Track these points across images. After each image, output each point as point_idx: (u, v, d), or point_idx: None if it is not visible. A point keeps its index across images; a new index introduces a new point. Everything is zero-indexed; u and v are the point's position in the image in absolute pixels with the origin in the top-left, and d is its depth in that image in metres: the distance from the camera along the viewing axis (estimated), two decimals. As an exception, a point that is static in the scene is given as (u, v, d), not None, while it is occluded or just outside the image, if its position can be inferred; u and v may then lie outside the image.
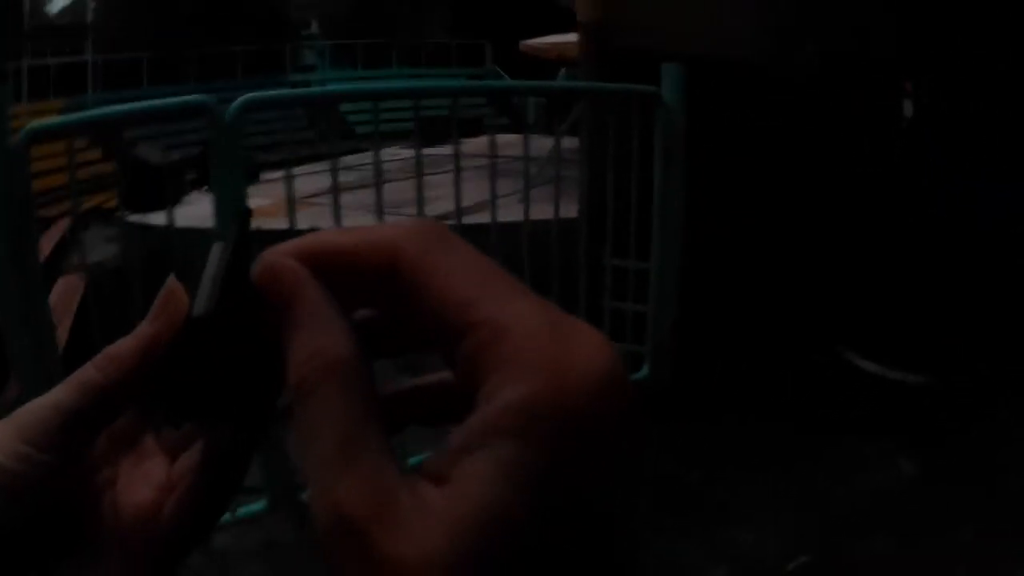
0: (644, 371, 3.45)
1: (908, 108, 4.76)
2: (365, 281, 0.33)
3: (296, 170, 2.90)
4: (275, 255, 0.34)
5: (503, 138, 3.89)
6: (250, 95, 2.52)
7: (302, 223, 2.63)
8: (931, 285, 4.10)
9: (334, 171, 2.90)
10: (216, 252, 0.36)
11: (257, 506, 2.75)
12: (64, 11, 23.49)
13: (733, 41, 3.81)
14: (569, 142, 4.28)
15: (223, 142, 2.47)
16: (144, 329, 0.39)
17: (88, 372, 0.38)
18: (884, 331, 3.92)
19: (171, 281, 0.39)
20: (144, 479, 0.41)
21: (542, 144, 4.84)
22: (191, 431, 0.42)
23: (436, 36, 25.43)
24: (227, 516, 2.67)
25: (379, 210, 2.95)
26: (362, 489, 0.29)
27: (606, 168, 3.28)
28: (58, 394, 0.38)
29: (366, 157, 4.11)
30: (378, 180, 2.99)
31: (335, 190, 2.86)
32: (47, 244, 7.47)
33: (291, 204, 2.75)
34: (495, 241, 2.99)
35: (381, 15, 24.88)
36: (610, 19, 4.09)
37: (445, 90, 3.51)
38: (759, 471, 3.12)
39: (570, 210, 3.39)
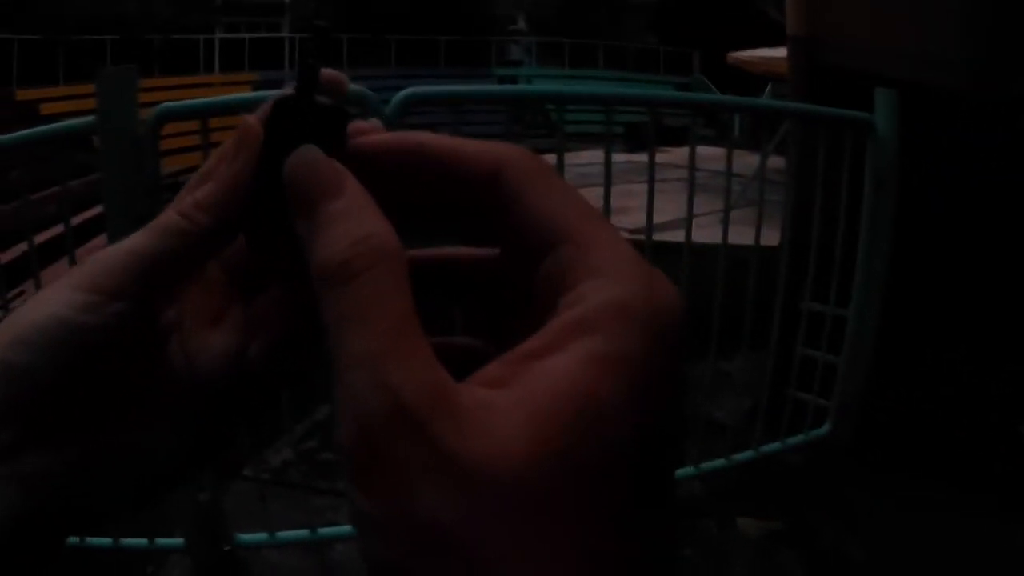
0: (825, 427, 3.14)
1: None
2: (461, 184, 0.33)
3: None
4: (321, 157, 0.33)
5: (706, 151, 3.71)
6: (412, 90, 2.37)
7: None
8: None
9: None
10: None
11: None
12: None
13: (952, 67, 3.50)
14: (775, 161, 4.03)
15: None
16: (223, 172, 0.37)
17: (170, 216, 0.36)
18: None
19: (247, 118, 0.37)
20: (217, 318, 0.39)
21: (747, 160, 4.69)
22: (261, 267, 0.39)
23: (643, 40, 25.80)
24: (346, 528, 2.51)
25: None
26: (421, 379, 0.27)
27: (814, 195, 3.04)
28: (136, 239, 0.36)
29: (573, 157, 4.02)
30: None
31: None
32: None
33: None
34: (687, 260, 2.79)
35: (586, 15, 25.32)
36: (821, 35, 3.86)
37: (645, 99, 3.25)
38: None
39: (770, 237, 3.16)
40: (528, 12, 27.49)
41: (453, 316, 0.38)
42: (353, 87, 2.34)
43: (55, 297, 0.35)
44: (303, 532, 2.54)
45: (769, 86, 11.71)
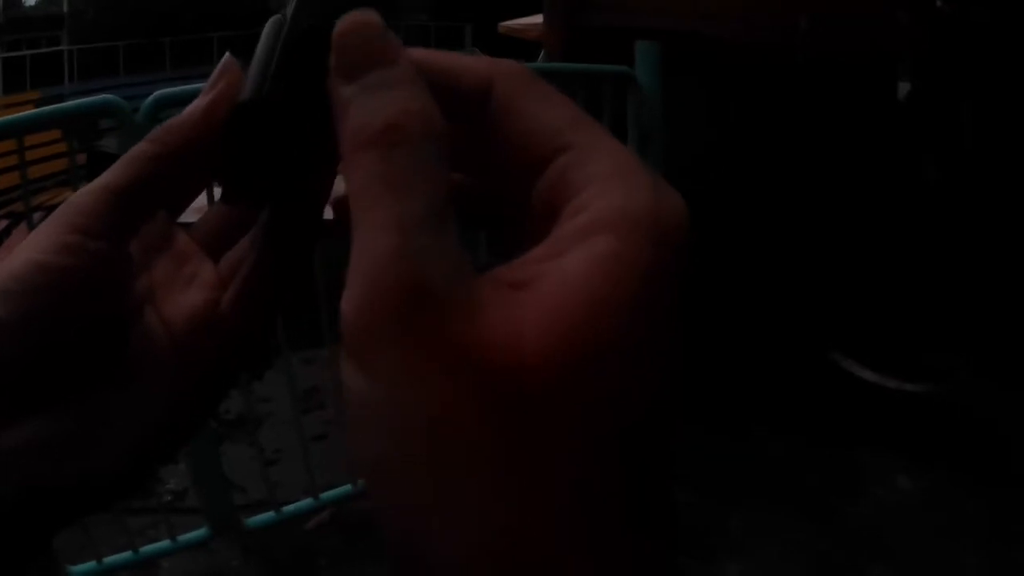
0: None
1: (903, 90, 4.52)
2: (454, 101, 0.32)
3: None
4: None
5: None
6: (162, 92, 2.34)
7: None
8: (928, 280, 3.90)
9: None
10: (269, 26, 0.35)
11: (199, 532, 2.62)
12: (41, 2, 23.42)
13: (717, 16, 3.57)
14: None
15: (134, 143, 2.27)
16: (197, 102, 0.37)
17: (140, 146, 0.37)
18: (881, 334, 3.74)
19: (227, 56, 0.38)
20: (188, 282, 0.39)
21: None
22: (229, 225, 0.41)
23: (417, 18, 25.46)
24: (167, 543, 2.52)
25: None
26: (449, 259, 0.26)
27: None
28: (109, 174, 0.36)
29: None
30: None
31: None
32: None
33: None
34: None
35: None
36: None
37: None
38: (756, 489, 2.97)
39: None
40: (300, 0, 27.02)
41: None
42: (105, 97, 2.34)
43: (33, 242, 0.34)
44: (127, 554, 2.54)
45: (543, 53, 11.64)
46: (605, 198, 0.28)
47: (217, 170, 0.36)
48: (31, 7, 23.43)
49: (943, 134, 4.27)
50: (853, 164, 3.79)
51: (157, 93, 2.33)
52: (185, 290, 0.39)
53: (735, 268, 3.52)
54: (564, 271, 0.26)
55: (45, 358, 0.34)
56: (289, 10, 0.35)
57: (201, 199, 0.44)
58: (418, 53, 0.32)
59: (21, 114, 2.42)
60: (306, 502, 2.69)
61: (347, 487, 2.71)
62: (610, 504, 0.26)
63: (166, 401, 0.37)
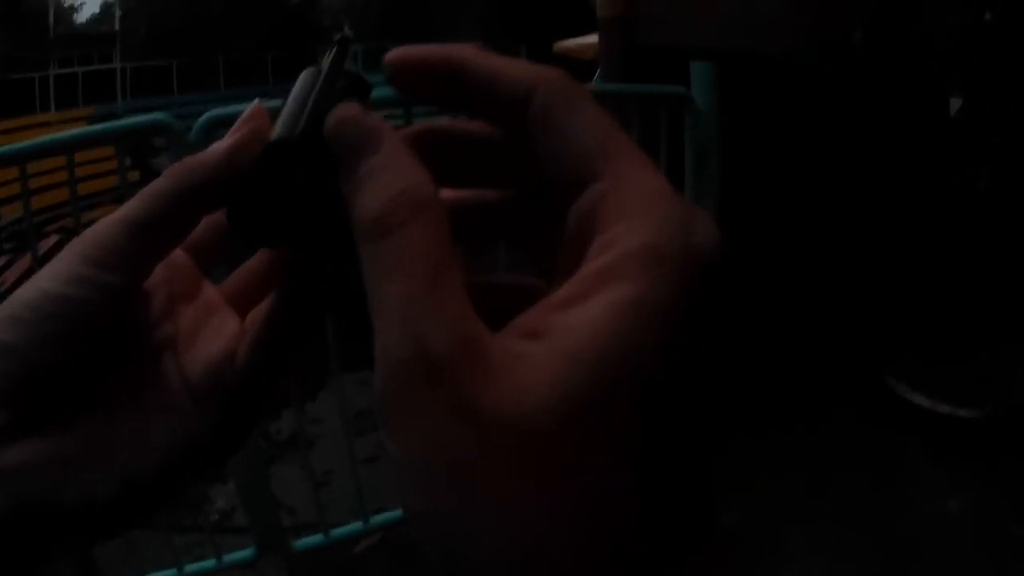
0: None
1: (955, 105, 4.48)
2: (497, 104, 0.33)
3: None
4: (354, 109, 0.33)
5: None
6: (214, 112, 2.33)
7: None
8: (981, 298, 3.84)
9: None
10: (304, 78, 0.36)
11: (246, 552, 2.59)
12: (91, 20, 23.79)
13: (769, 34, 3.56)
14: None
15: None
16: (222, 142, 0.37)
17: (159, 181, 0.37)
18: (935, 357, 3.69)
19: (256, 102, 0.39)
20: (212, 333, 0.40)
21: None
22: (258, 283, 0.41)
23: (473, 38, 25.60)
24: (212, 562, 2.50)
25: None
26: (451, 328, 0.27)
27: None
28: (126, 207, 0.36)
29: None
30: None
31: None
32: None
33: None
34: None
35: (415, 17, 25.00)
36: (633, 13, 3.78)
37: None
38: (806, 504, 2.95)
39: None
40: (353, 20, 27.01)
41: (497, 257, 0.37)
42: (157, 115, 2.36)
43: (47, 272, 0.35)
44: (171, 572, 2.53)
45: (598, 72, 11.68)
46: (633, 237, 0.28)
47: (230, 211, 0.37)
48: (82, 24, 23.79)
49: (994, 148, 4.24)
50: (906, 181, 3.76)
51: (209, 113, 2.33)
52: (207, 341, 0.40)
53: (792, 289, 3.50)
54: (582, 321, 0.27)
55: (50, 384, 0.35)
56: (326, 62, 0.37)
57: None
58: (465, 51, 0.34)
59: (73, 131, 2.43)
60: (355, 525, 2.65)
61: (397, 511, 2.66)
62: (629, 543, 0.27)
63: (173, 440, 0.37)
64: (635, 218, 0.29)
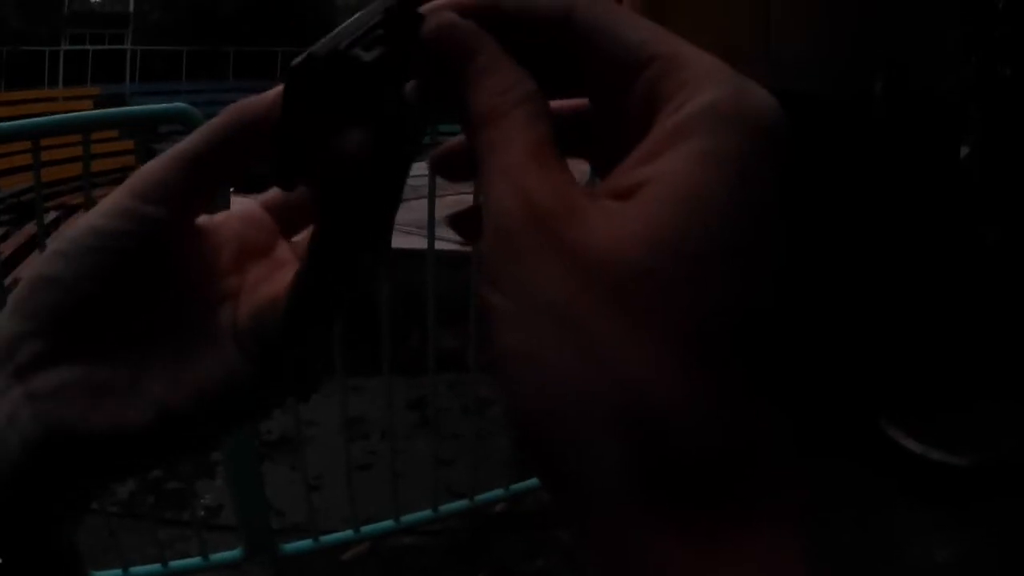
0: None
1: (963, 152, 4.50)
2: (538, 29, 0.34)
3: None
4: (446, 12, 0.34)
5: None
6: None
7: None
8: (981, 346, 3.83)
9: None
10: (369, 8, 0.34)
11: (234, 553, 2.58)
12: (106, 0, 23.79)
13: (794, 71, 3.50)
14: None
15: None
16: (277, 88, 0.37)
17: (215, 119, 0.37)
18: (930, 403, 3.67)
19: None
20: (270, 285, 0.39)
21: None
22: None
23: None
24: (198, 560, 2.47)
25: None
26: (553, 186, 0.29)
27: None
28: (180, 144, 0.37)
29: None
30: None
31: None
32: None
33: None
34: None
35: None
36: None
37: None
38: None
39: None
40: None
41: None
42: (178, 104, 2.35)
43: (96, 209, 0.36)
44: (156, 566, 2.50)
45: None
46: (696, 99, 0.29)
47: (274, 145, 0.35)
48: (96, 3, 23.80)
49: (1005, 197, 4.27)
50: (914, 230, 3.76)
51: (234, 104, 2.29)
52: (262, 291, 0.40)
53: (791, 330, 3.43)
54: (662, 173, 0.28)
55: (90, 315, 0.36)
56: None
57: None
58: None
59: (91, 112, 2.44)
60: (346, 532, 2.63)
61: (389, 522, 2.65)
62: (730, 372, 0.28)
63: (210, 378, 0.37)
64: (695, 85, 0.30)
